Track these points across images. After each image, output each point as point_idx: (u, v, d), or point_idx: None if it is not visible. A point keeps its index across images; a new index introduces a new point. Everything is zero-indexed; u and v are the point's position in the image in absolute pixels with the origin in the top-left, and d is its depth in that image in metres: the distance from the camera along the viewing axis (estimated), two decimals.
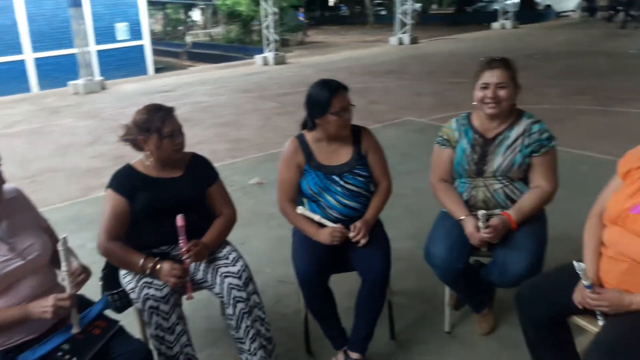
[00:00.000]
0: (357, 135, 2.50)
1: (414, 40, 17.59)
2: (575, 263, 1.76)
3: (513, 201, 2.36)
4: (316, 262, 2.31)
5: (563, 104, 7.27)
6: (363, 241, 2.34)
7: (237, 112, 8.56)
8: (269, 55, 14.80)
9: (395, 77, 10.94)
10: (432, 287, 2.87)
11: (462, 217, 2.35)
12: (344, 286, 2.62)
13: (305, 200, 2.50)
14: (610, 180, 1.97)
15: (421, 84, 9.88)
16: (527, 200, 2.33)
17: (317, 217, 2.40)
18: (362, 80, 10.82)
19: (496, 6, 23.15)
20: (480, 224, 2.25)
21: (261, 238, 3.88)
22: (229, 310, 2.21)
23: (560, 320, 1.95)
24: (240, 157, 6.02)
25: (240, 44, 24.00)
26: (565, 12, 27.19)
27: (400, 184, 4.72)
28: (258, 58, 14.98)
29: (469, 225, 2.31)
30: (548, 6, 27.92)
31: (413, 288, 3.08)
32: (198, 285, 2.31)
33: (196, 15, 39.76)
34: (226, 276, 2.21)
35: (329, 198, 2.42)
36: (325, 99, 2.30)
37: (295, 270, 2.34)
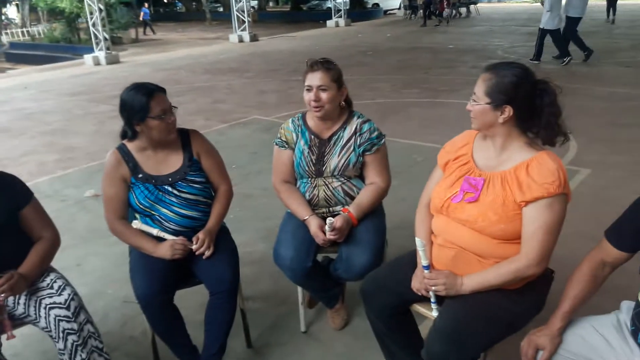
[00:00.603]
0: (185, 139, 2.37)
1: (254, 38, 17.64)
2: (417, 240, 1.84)
3: (351, 197, 2.43)
4: (157, 280, 2.16)
5: (395, 97, 7.79)
6: (208, 253, 2.24)
7: (66, 118, 7.82)
8: (100, 54, 13.78)
9: (238, 75, 10.85)
10: (286, 288, 2.86)
11: (305, 217, 2.36)
12: (195, 299, 2.49)
13: (137, 216, 2.31)
14: (433, 171, 2.09)
15: (264, 82, 9.91)
16: (365, 197, 2.40)
17: (155, 231, 2.23)
18: (204, 78, 10.57)
19: (329, 4, 24.18)
20: (327, 228, 2.26)
21: (101, 256, 3.55)
22: (60, 345, 1.96)
23: (403, 310, 2.03)
24: (72, 168, 5.48)
25: (68, 44, 22.02)
26: (392, 10, 29.32)
27: (250, 184, 4.65)
28: (88, 58, 13.87)
29: (312, 225, 2.32)
30: (376, 4, 29.84)
31: (267, 291, 3.04)
32: (20, 321, 2.02)
33: (12, 12, 35.65)
34: (52, 307, 1.95)
35: (164, 210, 2.27)
36: (142, 103, 2.13)
37: (135, 292, 2.15)
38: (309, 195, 2.44)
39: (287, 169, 2.48)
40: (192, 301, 2.47)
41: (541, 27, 9.60)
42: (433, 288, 1.84)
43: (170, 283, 2.21)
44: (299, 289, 2.58)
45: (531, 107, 1.75)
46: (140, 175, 2.27)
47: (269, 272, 3.08)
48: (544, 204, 1.69)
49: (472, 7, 24.04)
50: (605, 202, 3.88)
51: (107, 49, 13.96)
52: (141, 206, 2.26)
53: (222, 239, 2.37)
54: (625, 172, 4.43)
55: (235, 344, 2.50)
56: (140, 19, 25.68)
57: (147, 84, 2.21)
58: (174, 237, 2.22)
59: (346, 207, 2.38)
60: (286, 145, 2.47)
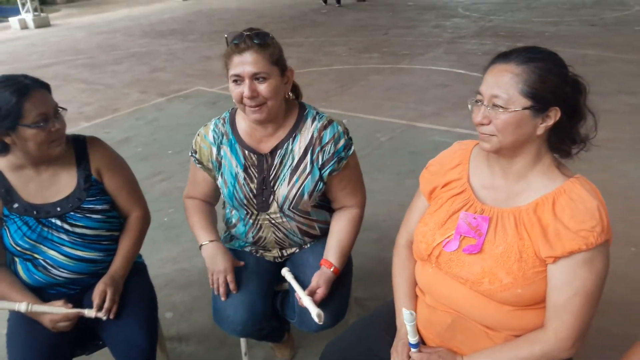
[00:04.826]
0: (81, 151, 1.72)
1: None
2: (404, 312, 1.26)
3: (311, 236, 1.84)
4: (40, 354, 1.58)
5: (354, 63, 7.10)
6: (110, 315, 1.63)
7: None
8: (27, 16, 12.42)
9: (180, 37, 9.89)
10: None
11: (201, 243, 1.78)
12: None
13: (16, 260, 1.68)
14: (415, 198, 1.52)
15: (210, 45, 9.03)
16: (344, 235, 1.75)
17: (23, 307, 1.56)
18: (143, 43, 9.59)
19: None
20: (309, 308, 1.57)
21: None
22: None
23: None
24: None
25: None
26: None
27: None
28: (14, 21, 12.50)
29: (220, 262, 1.73)
30: None
31: (204, 327, 2.42)
32: None
33: None
34: None
35: (51, 252, 1.65)
36: (10, 105, 1.48)
37: None
38: (253, 237, 1.82)
39: (204, 190, 1.85)
40: None
41: None
42: None
43: (61, 354, 1.62)
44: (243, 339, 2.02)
45: (577, 107, 1.20)
46: (15, 205, 1.63)
47: (209, 298, 2.48)
48: (581, 260, 1.16)
49: None
50: None
51: (35, 10, 12.61)
52: (18, 248, 1.64)
53: (134, 285, 1.77)
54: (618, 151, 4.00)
55: None
56: None
57: (21, 77, 1.55)
58: (53, 309, 1.58)
59: (324, 257, 1.73)
60: (200, 165, 1.78)
